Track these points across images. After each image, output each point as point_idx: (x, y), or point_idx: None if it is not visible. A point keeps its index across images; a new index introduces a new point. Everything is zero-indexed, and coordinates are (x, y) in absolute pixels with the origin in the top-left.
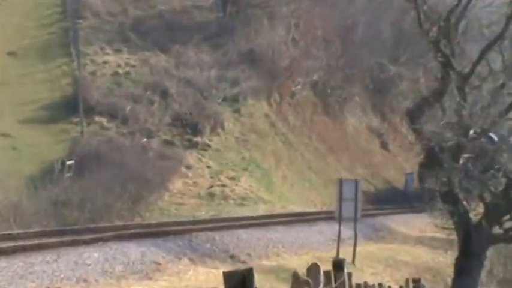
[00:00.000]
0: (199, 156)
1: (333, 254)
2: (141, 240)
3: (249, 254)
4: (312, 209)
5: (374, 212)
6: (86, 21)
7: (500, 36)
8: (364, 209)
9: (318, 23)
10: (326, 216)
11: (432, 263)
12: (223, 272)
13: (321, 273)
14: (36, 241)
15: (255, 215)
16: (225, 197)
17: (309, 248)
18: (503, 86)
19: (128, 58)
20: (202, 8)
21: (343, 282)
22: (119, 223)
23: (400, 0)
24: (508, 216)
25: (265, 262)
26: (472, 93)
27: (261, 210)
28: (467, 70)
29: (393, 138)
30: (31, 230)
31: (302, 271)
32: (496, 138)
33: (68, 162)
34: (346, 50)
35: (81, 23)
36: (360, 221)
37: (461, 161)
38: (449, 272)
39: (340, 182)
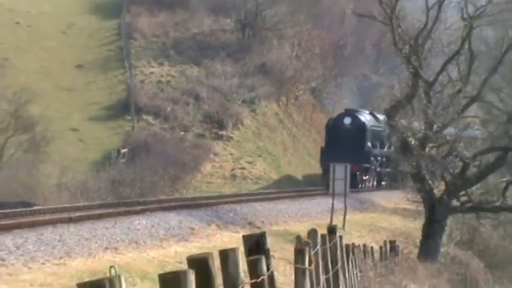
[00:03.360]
0: (224, 145)
1: (327, 221)
2: (179, 210)
3: (262, 221)
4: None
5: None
6: (136, 42)
7: (457, 53)
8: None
9: (316, 42)
10: (322, 193)
11: (404, 229)
12: (243, 236)
13: (319, 236)
14: (98, 211)
15: (267, 191)
16: (244, 177)
17: (309, 217)
18: (459, 91)
19: (169, 70)
20: (226, 31)
21: (336, 243)
22: (162, 197)
23: (379, 25)
24: (463, 192)
25: (275, 227)
26: (436, 97)
27: (272, 187)
28: (431, 79)
29: None
30: (94, 203)
31: (304, 234)
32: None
33: (123, 151)
34: (337, 63)
35: (133, 42)
36: (348, 196)
37: (427, 149)
38: (418, 235)
39: (333, 166)
